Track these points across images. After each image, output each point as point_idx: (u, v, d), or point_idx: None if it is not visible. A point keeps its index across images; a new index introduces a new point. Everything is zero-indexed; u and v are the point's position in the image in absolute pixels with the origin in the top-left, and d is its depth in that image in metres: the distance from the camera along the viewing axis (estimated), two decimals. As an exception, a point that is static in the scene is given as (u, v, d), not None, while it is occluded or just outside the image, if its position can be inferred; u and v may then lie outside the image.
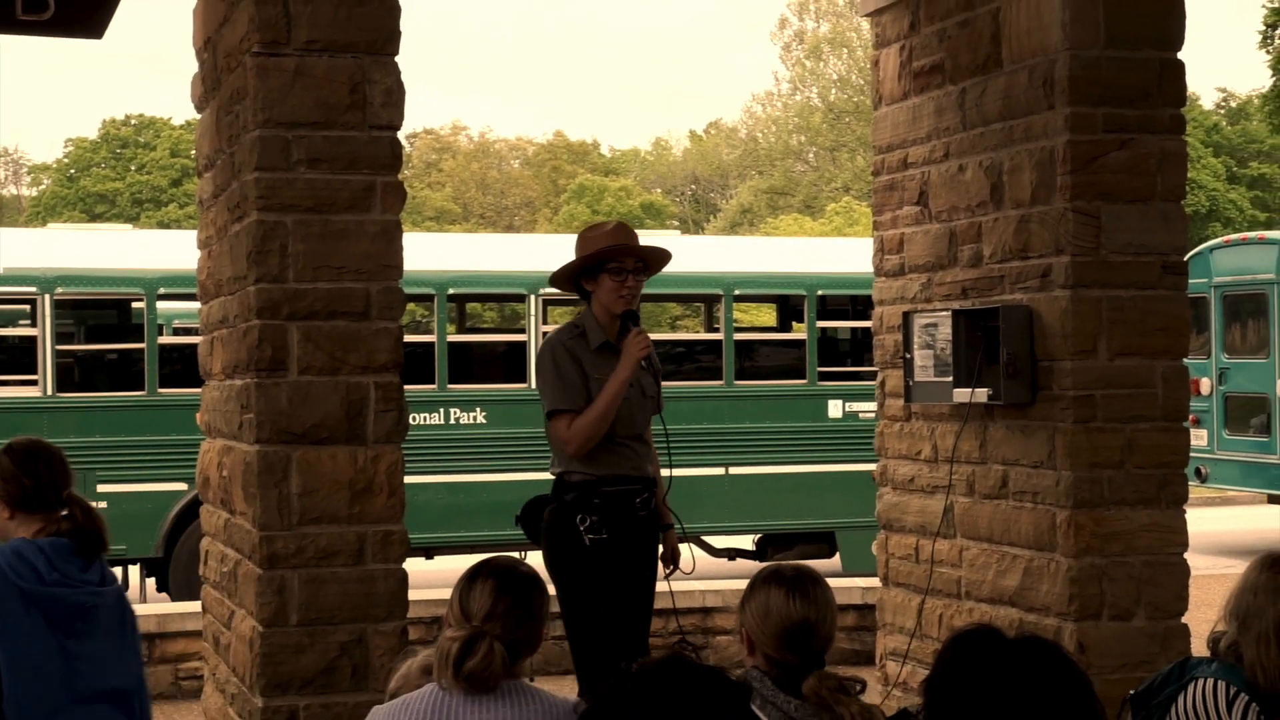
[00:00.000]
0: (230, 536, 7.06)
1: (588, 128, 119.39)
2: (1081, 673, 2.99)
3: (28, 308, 14.45)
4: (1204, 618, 6.10)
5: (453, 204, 65.68)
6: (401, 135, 6.63)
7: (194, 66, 7.84)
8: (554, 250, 16.07)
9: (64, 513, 5.02)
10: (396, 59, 6.49)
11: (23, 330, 14.84)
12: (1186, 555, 6.90)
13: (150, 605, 11.73)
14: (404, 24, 6.49)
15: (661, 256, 7.00)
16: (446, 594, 4.08)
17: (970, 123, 7.49)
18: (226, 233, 7.03)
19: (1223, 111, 58.78)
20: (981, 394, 7.16)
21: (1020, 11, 7.07)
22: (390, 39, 6.46)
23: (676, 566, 7.17)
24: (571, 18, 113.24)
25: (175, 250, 13.81)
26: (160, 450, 13.76)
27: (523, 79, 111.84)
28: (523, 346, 15.06)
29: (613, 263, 6.80)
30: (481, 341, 18.23)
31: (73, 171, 63.53)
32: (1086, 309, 6.75)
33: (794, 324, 17.35)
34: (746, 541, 16.36)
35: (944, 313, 7.49)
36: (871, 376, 9.15)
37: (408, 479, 6.59)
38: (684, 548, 7.27)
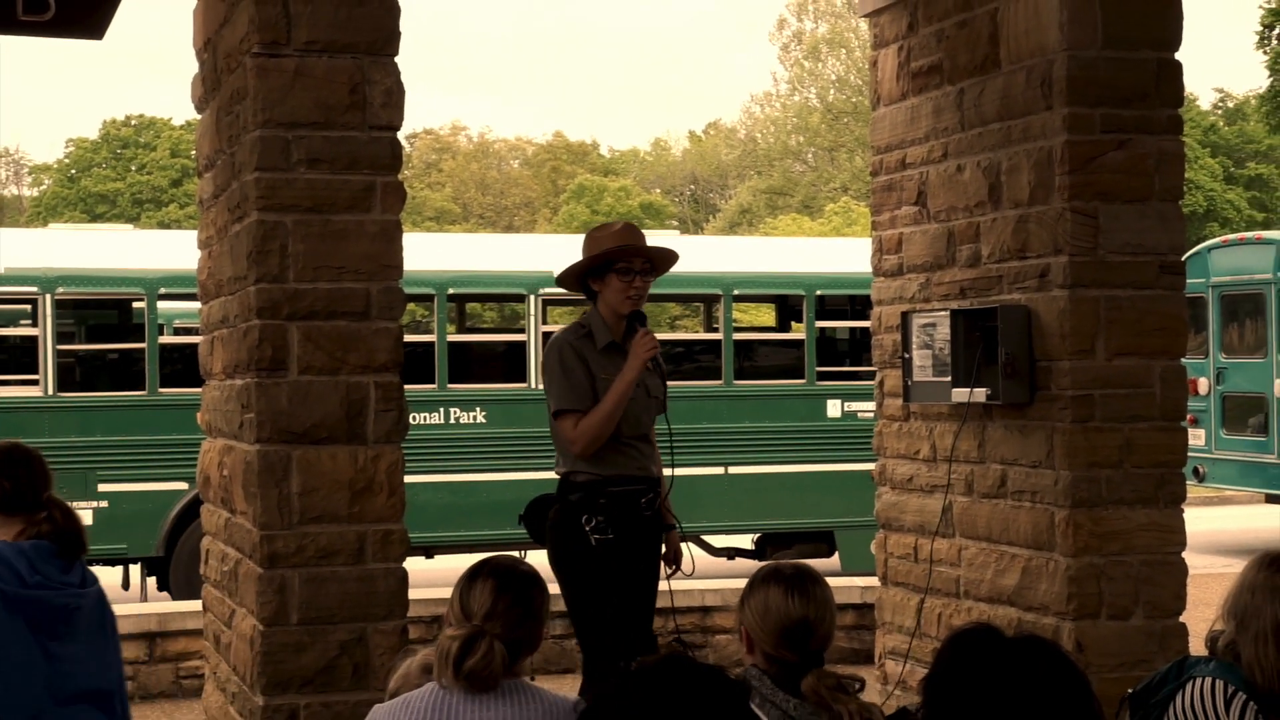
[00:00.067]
0: (231, 536, 7.08)
1: (587, 128, 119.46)
2: (1080, 672, 2.99)
3: (29, 308, 14.45)
4: (1202, 617, 6.11)
5: (452, 204, 65.67)
6: (401, 135, 6.64)
7: (194, 67, 7.85)
8: (553, 250, 16.13)
9: (43, 514, 4.99)
10: (396, 59, 6.50)
11: (24, 330, 14.84)
12: (1184, 554, 6.90)
13: (151, 604, 11.74)
14: (404, 24, 6.50)
15: (669, 257, 7.00)
16: (447, 593, 4.09)
17: (968, 123, 7.50)
18: (227, 233, 7.04)
19: (1220, 112, 58.75)
20: (980, 394, 7.17)
21: (1018, 12, 7.07)
22: (390, 39, 6.47)
23: (678, 567, 7.17)
24: (570, 18, 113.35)
25: (176, 250, 13.81)
26: (161, 450, 13.77)
27: (522, 79, 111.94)
28: (522, 346, 15.07)
29: (621, 263, 6.78)
30: (481, 341, 18.24)
31: (73, 172, 63.52)
32: (1084, 309, 6.75)
33: (793, 324, 17.36)
34: (746, 541, 16.37)
35: (942, 313, 7.50)
36: (870, 376, 9.16)
37: (408, 478, 6.60)
38: (683, 548, 7.28)
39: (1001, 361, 6.96)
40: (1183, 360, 6.97)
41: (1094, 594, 6.72)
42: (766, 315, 23.32)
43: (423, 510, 13.28)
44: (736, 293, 16.08)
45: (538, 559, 6.34)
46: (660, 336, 7.23)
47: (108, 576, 14.78)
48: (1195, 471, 18.21)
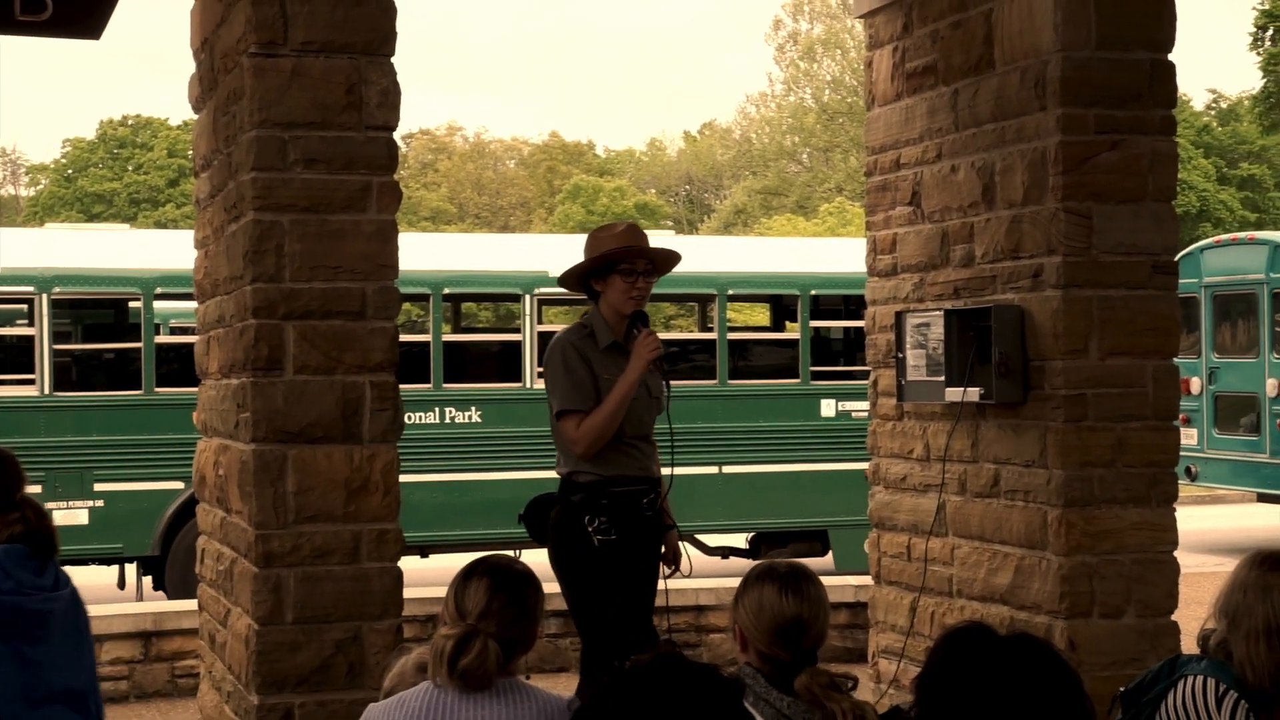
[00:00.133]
0: (226, 535, 7.09)
1: (583, 128, 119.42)
2: (1072, 670, 3.00)
3: (25, 307, 14.47)
4: (1194, 615, 6.13)
5: (448, 204, 65.65)
6: (397, 136, 6.65)
7: (191, 67, 7.86)
8: (549, 251, 16.16)
9: (16, 515, 4.97)
10: (392, 60, 6.52)
11: (20, 330, 14.86)
12: (1176, 553, 6.91)
13: (147, 603, 11.76)
14: (400, 25, 6.51)
15: (671, 258, 7.00)
16: (442, 592, 4.09)
17: (963, 123, 7.51)
18: (223, 233, 7.05)
19: (1213, 113, 58.81)
20: (973, 393, 7.18)
21: (1012, 13, 7.09)
22: (386, 40, 6.48)
23: (677, 567, 7.17)
24: (567, 19, 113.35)
25: (172, 250, 13.80)
26: (157, 449, 13.77)
27: (518, 80, 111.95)
28: (517, 346, 15.07)
29: (624, 264, 6.76)
30: (477, 341, 18.24)
31: (70, 172, 63.52)
32: (1078, 309, 6.77)
33: (787, 324, 17.37)
34: (740, 540, 16.38)
35: (936, 312, 7.51)
36: (864, 376, 9.17)
37: (403, 478, 6.61)
38: (681, 548, 7.28)
39: (995, 361, 6.98)
40: (1175, 360, 6.99)
41: (1086, 593, 6.73)
42: (761, 315, 23.31)
43: (418, 509, 13.28)
44: (731, 292, 16.09)
45: (533, 558, 6.35)
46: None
47: (103, 576, 14.83)
48: (1187, 471, 18.24)
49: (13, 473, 5.04)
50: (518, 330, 15.25)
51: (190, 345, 11.01)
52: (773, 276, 16.46)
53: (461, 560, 4.35)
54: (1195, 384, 18.20)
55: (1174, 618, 6.88)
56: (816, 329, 16.41)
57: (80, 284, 14.19)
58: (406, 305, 15.69)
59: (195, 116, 7.91)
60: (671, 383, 7.03)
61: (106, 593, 14.36)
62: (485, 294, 19.12)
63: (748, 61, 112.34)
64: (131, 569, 14.42)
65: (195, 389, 8.16)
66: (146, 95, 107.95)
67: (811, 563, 12.02)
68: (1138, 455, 6.82)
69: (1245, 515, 21.08)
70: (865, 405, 9.18)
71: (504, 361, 15.56)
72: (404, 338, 10.59)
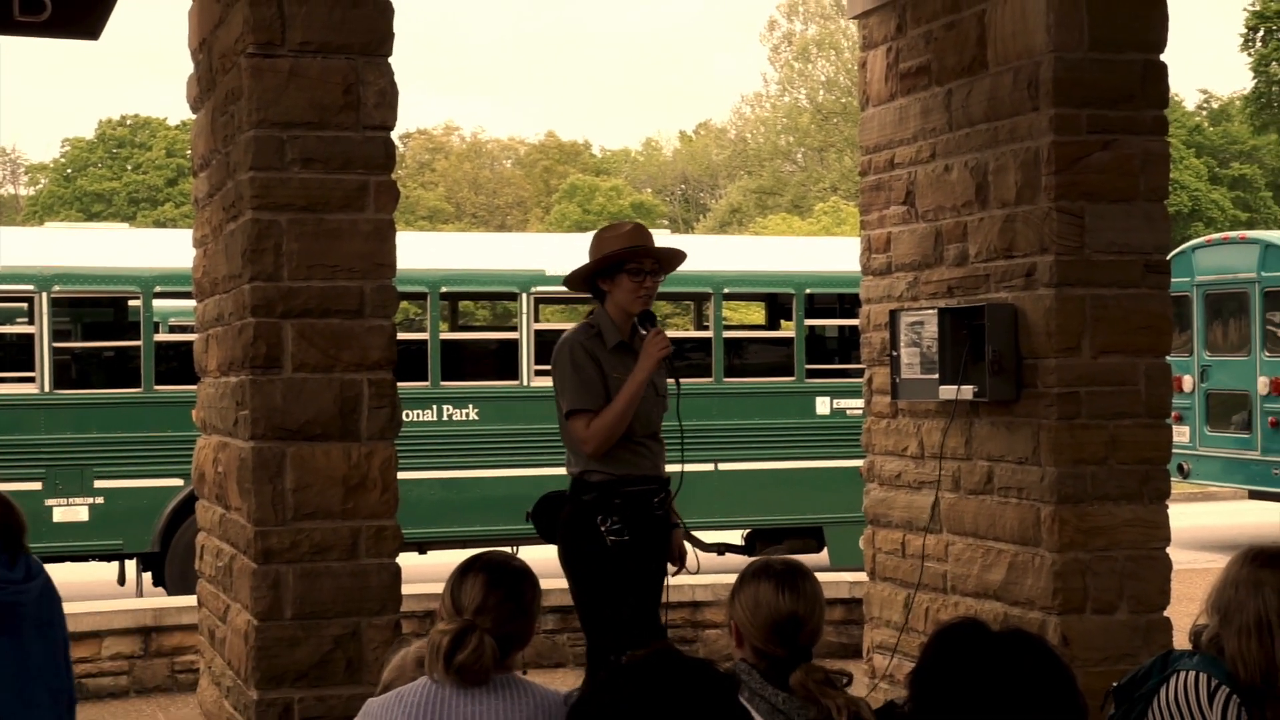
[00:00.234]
0: (226, 531, 7.11)
1: (579, 128, 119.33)
2: (1065, 666, 3.02)
3: (25, 305, 14.49)
4: (1186, 611, 6.16)
5: (445, 203, 65.60)
6: (395, 135, 6.68)
7: (189, 67, 7.88)
8: (545, 250, 16.18)
9: None
10: (390, 60, 6.55)
11: (20, 328, 14.88)
12: (1169, 550, 6.94)
13: (146, 599, 11.78)
14: (398, 26, 6.53)
15: (677, 256, 7.00)
16: (440, 588, 4.09)
17: (956, 124, 7.53)
18: (221, 231, 7.08)
19: (1205, 113, 58.81)
20: (967, 391, 7.20)
21: (1005, 14, 7.11)
22: (383, 40, 6.51)
23: (683, 566, 7.16)
24: (563, 21, 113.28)
25: (171, 249, 13.82)
26: (156, 446, 13.80)
27: (515, 81, 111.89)
28: (514, 344, 15.09)
29: (631, 263, 6.73)
30: (474, 339, 18.25)
31: (70, 171, 63.49)
32: (1070, 307, 6.79)
33: (782, 322, 17.37)
34: (736, 537, 16.40)
35: (930, 311, 7.53)
36: (859, 374, 9.19)
37: (401, 475, 6.63)
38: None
39: (988, 359, 6.99)
40: (1167, 358, 7.01)
41: (1079, 589, 6.75)
42: (756, 314, 23.30)
43: (416, 506, 13.30)
44: (727, 291, 16.11)
45: (530, 554, 6.38)
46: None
47: (103, 572, 14.87)
48: (1180, 468, 18.28)
49: None
50: (514, 329, 15.26)
51: (189, 343, 11.04)
52: (768, 275, 16.48)
53: (459, 556, 4.36)
54: (1187, 382, 18.24)
55: (1166, 614, 6.90)
56: (811, 327, 16.43)
57: (80, 282, 14.21)
58: (404, 304, 15.70)
59: (193, 116, 7.94)
60: (665, 381, 7.02)
61: (107, 589, 14.40)
62: (482, 292, 19.12)
63: (743, 62, 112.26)
64: (131, 565, 14.43)
65: (194, 387, 8.19)
66: (145, 95, 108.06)
67: (807, 559, 12.06)
68: (1130, 452, 6.84)
69: (1237, 512, 21.11)
70: (860, 403, 9.20)
71: (501, 360, 15.57)
72: (401, 336, 10.61)
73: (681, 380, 6.97)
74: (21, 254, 13.95)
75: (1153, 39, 6.94)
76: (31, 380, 13.88)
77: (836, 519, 15.36)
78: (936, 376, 7.45)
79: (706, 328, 16.23)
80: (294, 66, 6.39)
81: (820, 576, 4.69)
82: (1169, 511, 6.97)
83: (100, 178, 61.35)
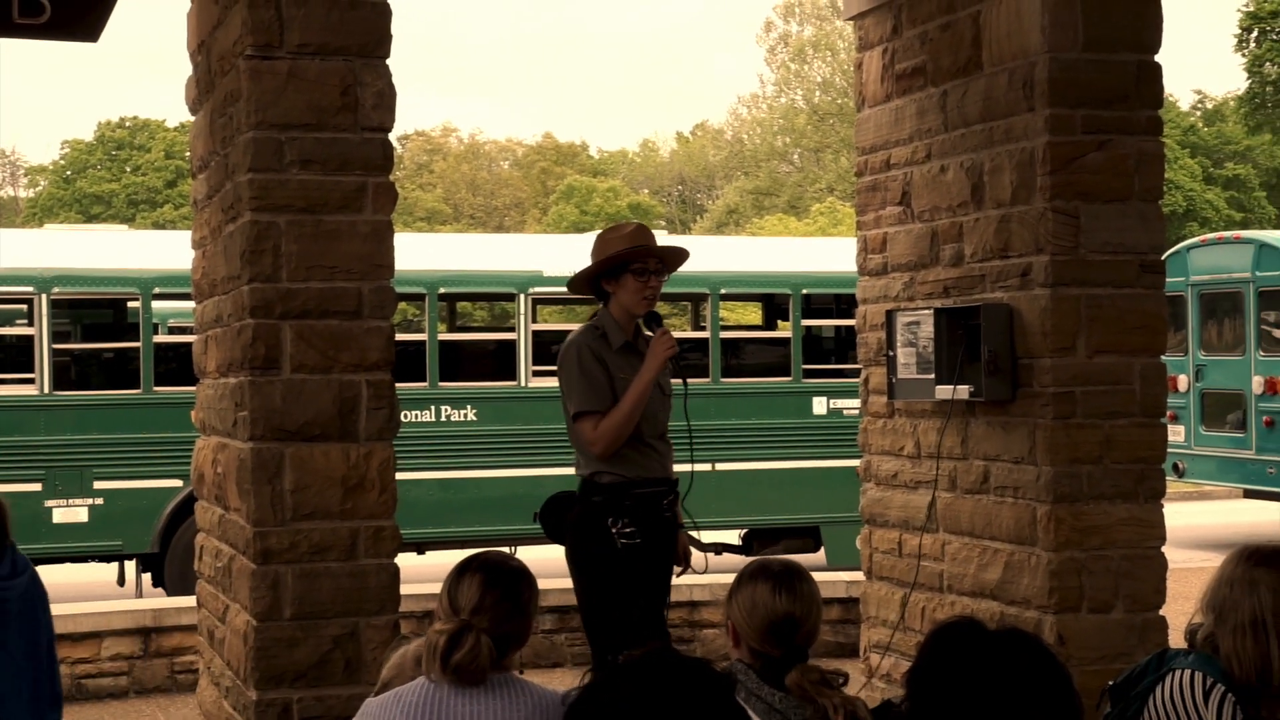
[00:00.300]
0: (225, 532, 7.12)
1: (576, 129, 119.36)
2: (1061, 664, 3.03)
3: (25, 307, 14.51)
4: (1181, 610, 6.17)
5: (443, 205, 65.60)
6: (393, 137, 6.69)
7: (188, 69, 7.90)
8: (543, 251, 16.20)
9: None
10: (387, 62, 6.56)
11: (20, 329, 14.90)
12: (1164, 549, 6.95)
13: (146, 600, 11.81)
14: (396, 27, 6.55)
15: (680, 255, 7.01)
16: (438, 588, 4.11)
17: (951, 124, 7.54)
18: (220, 233, 7.09)
19: (1199, 113, 58.85)
20: (963, 391, 7.21)
21: (1000, 15, 7.12)
22: (381, 42, 6.52)
23: (687, 566, 7.16)
24: (560, 22, 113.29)
25: (170, 250, 13.84)
26: (156, 447, 13.82)
27: (513, 82, 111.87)
28: (512, 345, 15.11)
29: (636, 263, 6.73)
30: (472, 340, 18.28)
31: (69, 173, 63.50)
32: (1066, 307, 6.80)
33: (779, 322, 17.40)
34: (733, 536, 16.42)
35: (926, 311, 7.54)
36: (855, 374, 9.21)
37: (399, 475, 6.63)
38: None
39: (984, 359, 7.01)
40: (1162, 358, 7.02)
41: (1075, 588, 6.76)
42: (753, 314, 23.32)
43: (414, 506, 13.32)
44: (724, 292, 16.14)
45: (529, 555, 6.40)
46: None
47: (103, 573, 14.89)
48: (1175, 467, 18.30)
49: None
50: (512, 329, 15.28)
51: (188, 345, 11.07)
52: (765, 276, 16.50)
53: (457, 556, 4.36)
54: (1182, 381, 18.26)
55: (1162, 612, 6.92)
56: (808, 327, 16.45)
57: (79, 284, 14.23)
58: (402, 305, 15.74)
59: (192, 118, 7.95)
60: (670, 381, 7.01)
61: (106, 589, 14.42)
62: (480, 293, 19.15)
63: (739, 63, 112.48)
64: (131, 566, 14.46)
65: (193, 388, 8.19)
66: (144, 97, 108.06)
67: (804, 559, 12.08)
68: (1125, 452, 6.85)
69: (1232, 511, 21.14)
70: (856, 403, 9.22)
71: (499, 360, 15.59)
72: (400, 337, 10.63)
73: (672, 380, 6.96)
74: (21, 256, 13.98)
75: (1147, 40, 6.95)
76: (31, 382, 13.90)
77: (833, 519, 15.39)
78: (933, 376, 7.47)
79: (704, 328, 16.26)
80: (292, 68, 6.40)
81: (817, 576, 4.70)
82: (1164, 511, 6.99)
83: (99, 180, 61.36)
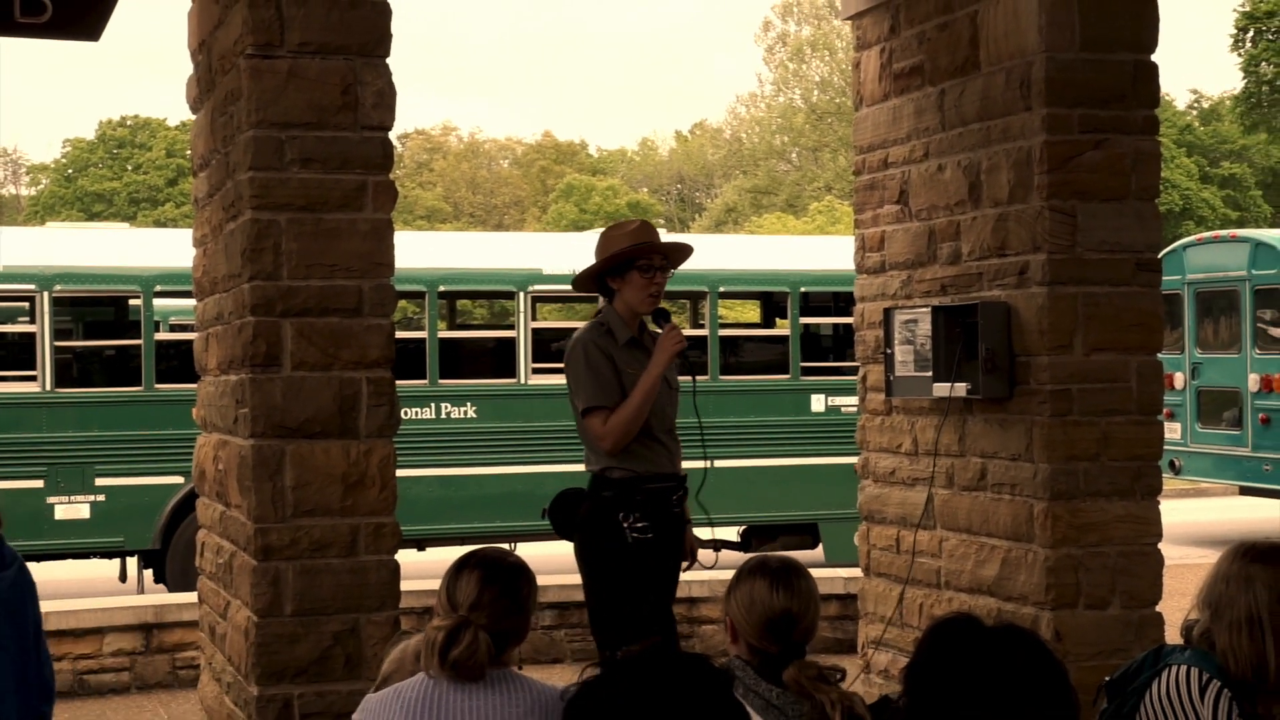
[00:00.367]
0: (226, 529, 7.15)
1: (576, 128, 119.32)
2: (1058, 660, 3.05)
3: (27, 305, 14.52)
4: (1177, 606, 6.21)
5: (443, 203, 65.59)
6: (393, 136, 6.71)
7: (189, 68, 7.92)
8: (543, 249, 16.20)
9: None
10: (388, 61, 6.58)
11: (22, 327, 14.90)
12: (1160, 545, 6.97)
13: (148, 596, 11.82)
14: (396, 27, 6.57)
15: (684, 251, 7.03)
16: (438, 585, 4.11)
17: (949, 123, 7.56)
18: (221, 231, 7.11)
19: (1195, 112, 58.85)
20: (961, 388, 7.23)
21: (998, 15, 7.13)
22: (381, 41, 6.54)
23: (694, 562, 7.16)
24: (560, 21, 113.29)
25: (171, 248, 13.85)
26: (157, 444, 13.83)
27: (512, 81, 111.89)
28: (512, 343, 15.12)
29: (641, 260, 6.74)
30: (472, 338, 18.28)
31: (70, 171, 63.54)
32: (1063, 305, 6.82)
33: (777, 320, 17.41)
34: (731, 533, 16.44)
35: (924, 309, 7.55)
36: (853, 371, 9.22)
37: (399, 472, 6.65)
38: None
39: (982, 357, 7.02)
40: (1159, 356, 7.04)
41: (1072, 584, 6.78)
42: (752, 312, 23.32)
43: (414, 503, 13.33)
44: (722, 290, 16.14)
45: (528, 551, 6.41)
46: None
47: (105, 569, 14.92)
48: (1171, 464, 18.32)
49: None
50: (512, 327, 15.29)
51: (189, 342, 11.09)
52: (763, 274, 16.51)
53: (457, 553, 4.37)
54: (1178, 379, 18.29)
55: (1158, 609, 6.94)
56: (806, 325, 16.46)
57: (81, 282, 14.24)
58: (402, 302, 15.76)
59: (193, 117, 7.97)
60: (677, 377, 7.01)
61: (108, 586, 14.45)
62: (480, 291, 19.15)
63: (738, 62, 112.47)
64: (133, 562, 14.47)
65: (195, 385, 8.22)
66: (145, 96, 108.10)
67: (802, 555, 12.10)
68: (1122, 449, 6.87)
69: (1228, 508, 21.14)
70: (854, 400, 9.24)
71: (498, 358, 15.60)
72: (400, 334, 10.64)
73: (680, 378, 6.98)
74: (23, 254, 13.99)
75: (1144, 39, 6.97)
76: (33, 379, 13.91)
77: (831, 515, 15.39)
78: (930, 374, 7.48)
79: (702, 326, 16.27)
80: (292, 67, 6.42)
81: (815, 572, 4.70)
82: (1160, 507, 7.01)
83: (101, 178, 61.41)
